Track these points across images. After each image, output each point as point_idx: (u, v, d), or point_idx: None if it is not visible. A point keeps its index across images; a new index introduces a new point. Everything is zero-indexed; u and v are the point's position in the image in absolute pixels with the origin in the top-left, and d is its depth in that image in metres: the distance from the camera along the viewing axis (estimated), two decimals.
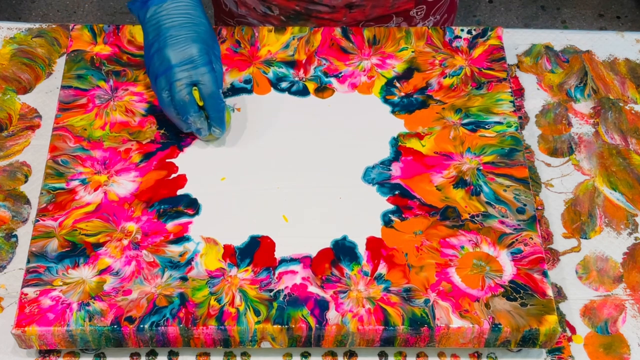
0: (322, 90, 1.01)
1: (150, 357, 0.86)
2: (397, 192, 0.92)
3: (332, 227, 0.89)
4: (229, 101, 1.00)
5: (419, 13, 1.18)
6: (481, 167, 0.94)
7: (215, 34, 0.95)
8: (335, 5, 1.11)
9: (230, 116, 0.97)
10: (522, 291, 0.85)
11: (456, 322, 0.82)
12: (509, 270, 0.86)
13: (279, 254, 0.87)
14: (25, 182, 0.97)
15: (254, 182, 0.93)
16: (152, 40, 0.92)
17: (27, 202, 0.95)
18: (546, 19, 2.34)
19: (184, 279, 0.85)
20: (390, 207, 0.91)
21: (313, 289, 0.85)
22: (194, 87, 0.91)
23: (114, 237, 0.88)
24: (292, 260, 0.87)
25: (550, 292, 0.85)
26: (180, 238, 0.88)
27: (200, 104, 0.92)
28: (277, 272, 0.86)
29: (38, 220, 0.89)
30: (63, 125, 0.96)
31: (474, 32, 1.06)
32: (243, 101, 1.00)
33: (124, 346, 0.84)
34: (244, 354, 0.86)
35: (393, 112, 0.99)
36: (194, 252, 0.87)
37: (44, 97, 1.04)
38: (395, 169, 0.94)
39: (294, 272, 0.86)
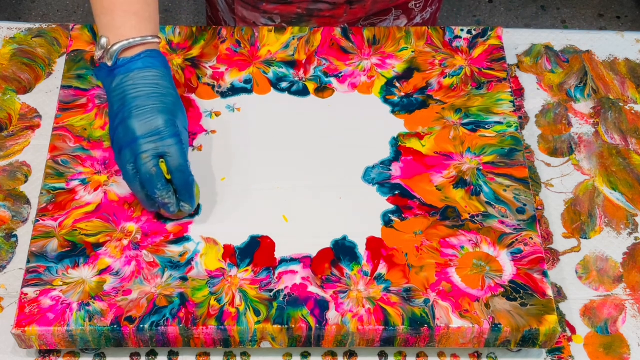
0: (322, 90, 1.01)
1: (150, 357, 0.86)
2: (397, 192, 0.92)
3: (332, 227, 0.89)
4: (229, 101, 1.00)
5: (417, 5, 1.18)
6: (481, 167, 0.94)
7: (183, 105, 0.90)
8: (336, 2, 1.11)
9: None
10: (522, 291, 0.85)
11: (456, 322, 0.82)
12: (509, 270, 0.86)
13: (279, 254, 0.87)
14: (25, 182, 0.97)
15: (253, 182, 0.93)
16: (117, 111, 0.86)
17: (27, 202, 0.95)
18: (546, 19, 2.34)
19: (184, 279, 0.85)
20: (390, 207, 0.91)
21: (313, 289, 0.85)
22: (161, 160, 0.85)
23: (114, 237, 0.88)
24: (292, 260, 0.87)
25: (550, 292, 0.85)
26: (180, 238, 0.88)
27: (168, 177, 0.86)
28: (277, 272, 0.86)
29: (38, 220, 0.89)
30: (63, 125, 0.96)
31: (474, 32, 1.06)
32: (243, 101, 1.00)
33: (124, 346, 0.84)
34: (244, 354, 0.86)
35: (393, 112, 0.99)
36: (194, 252, 0.87)
37: (44, 97, 1.04)
38: (395, 169, 0.94)
39: (294, 272, 0.86)
